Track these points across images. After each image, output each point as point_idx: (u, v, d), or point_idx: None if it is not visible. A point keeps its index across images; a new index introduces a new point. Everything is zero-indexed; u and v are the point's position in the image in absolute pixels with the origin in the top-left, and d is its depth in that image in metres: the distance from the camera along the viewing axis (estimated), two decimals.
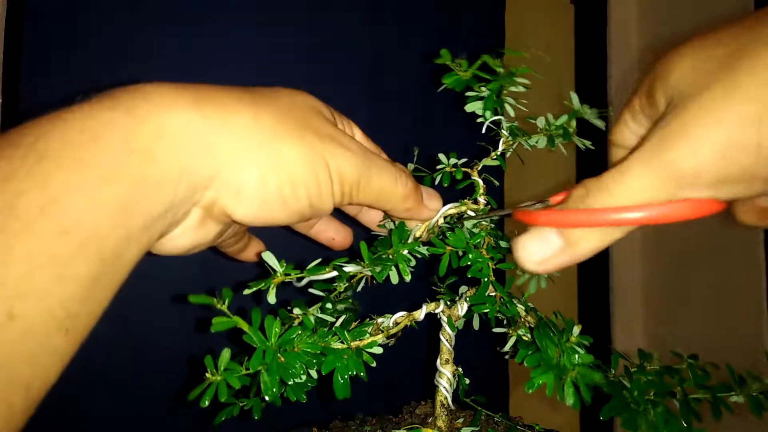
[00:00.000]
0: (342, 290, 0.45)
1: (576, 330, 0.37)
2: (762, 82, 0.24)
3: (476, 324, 0.48)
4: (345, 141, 0.35)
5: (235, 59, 0.77)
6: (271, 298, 0.39)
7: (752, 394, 0.39)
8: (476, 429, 0.47)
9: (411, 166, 0.52)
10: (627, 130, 0.35)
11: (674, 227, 0.98)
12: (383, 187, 0.37)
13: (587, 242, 0.30)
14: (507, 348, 0.44)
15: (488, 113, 0.43)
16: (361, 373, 0.37)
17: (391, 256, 0.41)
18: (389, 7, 0.85)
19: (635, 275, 1.03)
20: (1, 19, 0.68)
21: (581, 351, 0.35)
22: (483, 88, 0.42)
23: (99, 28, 0.72)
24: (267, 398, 0.35)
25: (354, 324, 0.42)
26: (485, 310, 0.42)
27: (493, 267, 0.43)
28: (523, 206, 0.38)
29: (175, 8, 0.75)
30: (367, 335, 0.40)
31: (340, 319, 0.42)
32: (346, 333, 0.39)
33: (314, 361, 0.36)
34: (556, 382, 0.33)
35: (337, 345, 0.38)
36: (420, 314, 0.45)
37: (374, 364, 0.38)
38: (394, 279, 0.43)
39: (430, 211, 0.42)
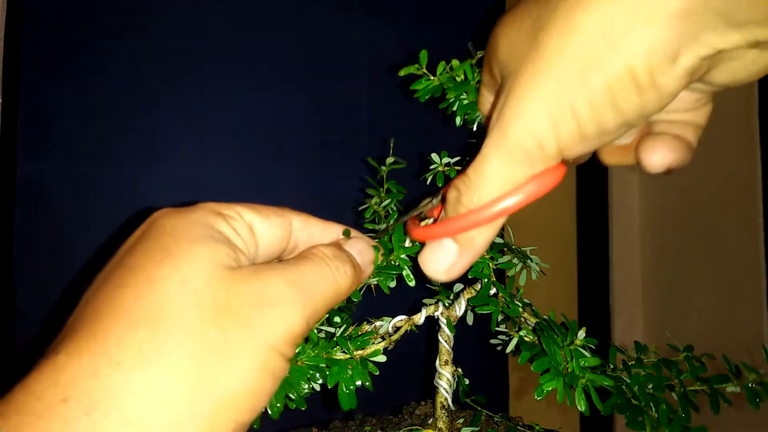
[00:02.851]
0: (345, 303, 0.44)
1: (581, 333, 0.37)
2: (556, 51, 0.26)
3: (470, 320, 0.48)
4: (269, 294, 0.29)
5: (235, 59, 0.77)
6: None
7: (749, 385, 0.39)
8: (476, 429, 0.47)
9: (390, 159, 0.52)
10: (484, 101, 0.36)
11: (674, 227, 0.97)
12: (330, 299, 0.33)
13: (480, 238, 0.31)
14: (509, 350, 0.44)
15: (477, 112, 0.43)
16: (367, 383, 0.37)
17: (394, 262, 0.41)
18: (389, 6, 0.85)
19: (635, 275, 1.03)
20: (1, 19, 0.68)
21: (587, 354, 0.35)
22: (463, 96, 0.42)
23: (99, 28, 0.72)
24: (270, 413, 0.35)
25: (351, 328, 0.41)
26: (488, 311, 0.42)
27: (494, 267, 0.43)
28: (420, 208, 0.39)
29: (175, 8, 0.75)
30: (371, 344, 0.39)
31: (341, 327, 0.41)
32: (349, 343, 0.38)
33: (318, 374, 0.36)
34: (566, 388, 0.33)
35: (340, 356, 0.38)
36: (420, 318, 0.45)
37: (378, 373, 0.38)
38: (393, 283, 0.43)
39: (369, 269, 0.38)
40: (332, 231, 0.37)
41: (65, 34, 0.71)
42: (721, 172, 0.89)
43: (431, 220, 0.39)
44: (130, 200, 0.73)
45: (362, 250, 0.37)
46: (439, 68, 0.43)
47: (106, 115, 0.72)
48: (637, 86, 0.25)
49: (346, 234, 0.38)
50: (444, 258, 0.32)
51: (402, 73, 0.41)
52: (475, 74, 0.42)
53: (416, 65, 0.42)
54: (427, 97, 0.42)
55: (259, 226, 0.33)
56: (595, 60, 0.25)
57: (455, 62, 0.42)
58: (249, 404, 0.28)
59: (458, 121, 0.43)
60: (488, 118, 0.34)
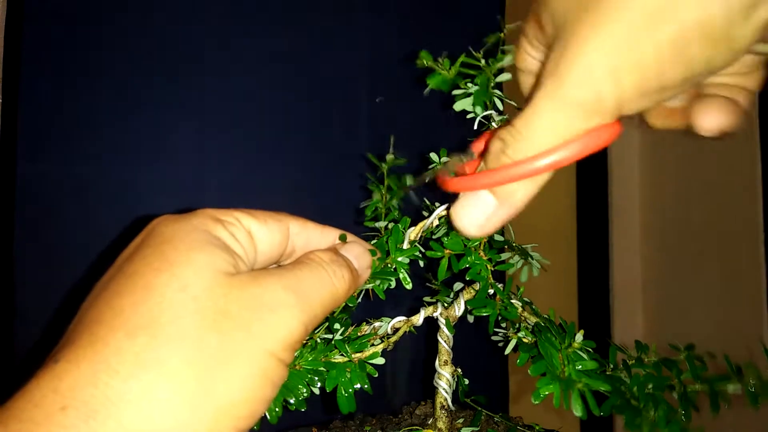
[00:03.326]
0: (340, 309, 0.44)
1: (579, 336, 0.37)
2: (622, 4, 0.25)
3: (471, 318, 0.48)
4: (268, 300, 0.29)
5: (236, 58, 0.77)
6: None
7: (749, 385, 0.39)
8: (476, 429, 0.47)
9: (390, 156, 0.52)
10: (528, 57, 0.34)
11: (674, 227, 0.97)
12: (328, 304, 0.33)
13: (521, 192, 0.30)
14: (508, 351, 0.44)
15: (478, 108, 0.43)
16: (365, 386, 0.37)
17: (389, 265, 0.41)
18: (390, 8, 0.84)
19: (635, 274, 1.03)
20: (1, 19, 0.68)
21: (585, 357, 0.35)
22: (470, 84, 0.42)
23: (99, 28, 0.72)
24: (269, 418, 0.35)
25: (350, 329, 0.41)
26: (486, 314, 0.42)
27: (492, 268, 0.42)
28: (449, 162, 0.37)
29: (175, 8, 0.75)
30: (369, 346, 0.39)
31: (339, 330, 0.41)
32: (347, 346, 0.38)
33: (316, 378, 0.36)
34: (563, 392, 0.33)
35: (339, 358, 0.38)
36: (418, 319, 0.45)
37: (377, 375, 0.38)
38: (392, 284, 0.42)
39: (366, 273, 0.38)
40: (329, 235, 0.37)
41: (65, 34, 0.71)
42: (721, 172, 0.89)
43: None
44: (130, 201, 0.73)
45: (359, 254, 0.37)
46: (446, 64, 0.43)
47: (106, 115, 0.72)
48: (710, 37, 0.24)
49: (343, 239, 0.38)
50: (480, 212, 0.31)
51: (420, 64, 0.41)
52: (492, 64, 0.42)
53: (431, 57, 0.42)
54: (441, 88, 0.42)
55: (258, 232, 0.33)
56: (666, 9, 0.24)
57: (464, 57, 0.42)
58: (248, 410, 0.28)
59: (479, 110, 0.43)
60: (537, 74, 0.33)
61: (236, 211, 0.33)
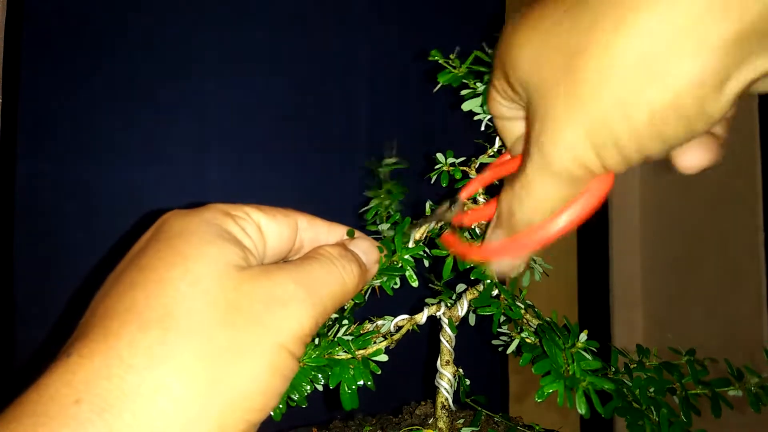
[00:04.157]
0: (352, 306, 0.44)
1: (583, 336, 0.37)
2: (596, 80, 0.25)
3: (472, 320, 0.48)
4: (279, 294, 0.29)
5: (236, 58, 0.77)
6: None
7: (751, 388, 0.39)
8: (476, 429, 0.47)
9: (389, 160, 0.52)
10: (499, 105, 0.35)
11: (674, 227, 0.97)
12: (338, 298, 0.33)
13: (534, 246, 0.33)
14: (510, 351, 0.44)
15: (486, 108, 0.43)
16: (368, 383, 0.37)
17: (396, 263, 0.41)
18: (389, 5, 0.85)
19: (635, 276, 1.03)
20: (1, 19, 0.68)
21: (589, 357, 0.35)
22: (478, 84, 0.42)
23: (99, 29, 0.72)
24: (273, 415, 0.35)
25: (353, 326, 0.41)
26: (490, 313, 0.42)
27: None
28: (438, 216, 0.41)
29: (176, 8, 0.75)
30: (372, 343, 0.39)
31: (343, 327, 0.41)
32: (350, 343, 0.38)
33: (320, 375, 0.36)
34: (567, 391, 0.33)
35: (342, 355, 0.38)
36: (422, 317, 0.45)
37: (380, 372, 0.38)
38: (396, 283, 0.43)
39: (374, 269, 0.39)
40: (336, 231, 0.38)
41: (65, 34, 0.71)
42: (721, 173, 0.89)
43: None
44: (130, 200, 0.73)
45: (367, 249, 0.37)
46: (456, 61, 0.43)
47: (106, 115, 0.72)
48: (684, 116, 0.24)
49: (351, 234, 0.38)
50: (506, 261, 0.34)
51: (431, 58, 0.41)
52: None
53: (441, 55, 0.42)
54: (453, 84, 0.42)
55: (267, 227, 0.34)
56: (638, 91, 0.24)
57: (478, 52, 0.42)
58: (260, 403, 0.28)
59: (483, 110, 0.43)
60: (510, 119, 0.35)
61: (246, 206, 0.34)
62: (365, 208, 0.53)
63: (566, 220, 0.30)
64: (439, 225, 0.43)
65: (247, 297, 0.28)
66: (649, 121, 0.25)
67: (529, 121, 0.29)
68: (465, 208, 0.41)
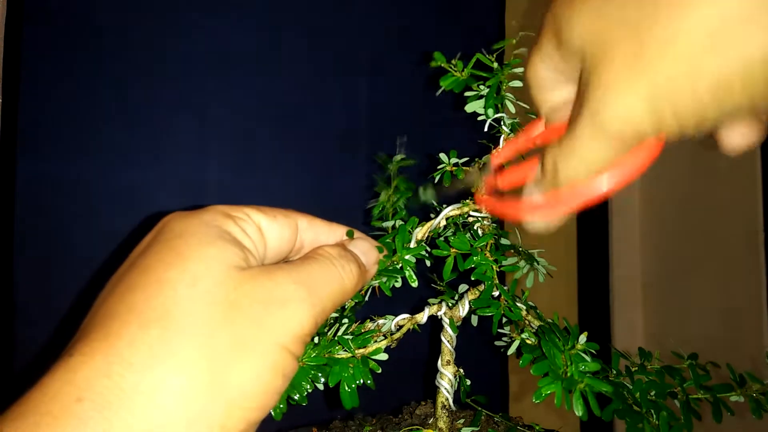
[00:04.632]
0: (352, 306, 0.44)
1: (582, 337, 0.37)
2: (661, 49, 0.25)
3: (474, 321, 0.48)
4: (279, 294, 0.30)
5: (236, 58, 0.77)
6: None
7: (752, 395, 0.39)
8: (476, 429, 0.47)
9: (398, 157, 0.52)
10: (541, 70, 0.35)
11: (674, 228, 0.97)
12: (337, 298, 0.33)
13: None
14: (510, 352, 0.44)
15: (490, 111, 0.43)
16: (368, 381, 0.37)
17: (396, 263, 0.41)
18: (390, 7, 0.85)
19: (635, 275, 1.03)
20: (1, 19, 0.68)
21: (588, 358, 0.35)
22: (482, 87, 0.42)
23: (99, 29, 0.72)
24: (273, 415, 0.35)
25: (354, 326, 0.42)
26: (490, 314, 0.42)
27: (497, 269, 0.42)
28: (467, 181, 0.41)
29: (175, 8, 0.75)
30: (372, 342, 0.40)
31: (343, 326, 0.41)
32: (350, 342, 0.38)
33: (320, 374, 0.36)
34: (564, 392, 0.33)
35: (342, 354, 0.38)
36: (422, 317, 0.45)
37: (380, 371, 0.38)
38: (398, 283, 0.43)
39: (374, 269, 0.39)
40: (336, 231, 0.38)
41: (65, 34, 0.71)
42: (721, 173, 0.89)
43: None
44: (130, 200, 0.73)
45: (366, 250, 0.38)
46: (459, 65, 0.43)
47: (107, 115, 0.72)
48: (749, 87, 0.24)
49: (350, 235, 0.38)
50: (545, 221, 0.34)
51: (434, 64, 0.41)
52: (504, 70, 0.43)
53: (444, 58, 0.42)
54: (455, 89, 0.42)
55: (267, 227, 0.34)
56: (706, 59, 0.24)
57: (480, 55, 0.42)
58: (260, 402, 0.28)
59: (490, 113, 0.43)
60: (552, 86, 0.35)
61: (246, 207, 0.34)
62: (371, 204, 0.53)
63: (610, 181, 0.30)
64: (467, 189, 0.43)
65: (247, 297, 0.28)
66: (713, 90, 0.25)
67: (582, 83, 0.29)
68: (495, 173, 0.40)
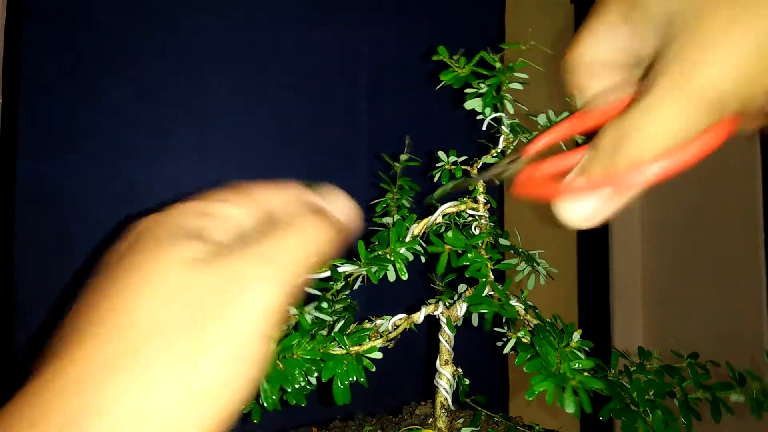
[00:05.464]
0: (339, 289, 0.44)
1: (576, 335, 0.37)
2: (754, 10, 0.24)
3: (475, 321, 0.48)
4: (241, 280, 0.29)
5: (236, 57, 0.77)
6: None
7: (752, 395, 0.39)
8: (476, 429, 0.47)
9: (404, 156, 0.52)
10: (596, 46, 0.32)
11: (674, 229, 0.97)
12: (304, 261, 0.31)
13: (637, 190, 0.29)
14: (506, 350, 0.44)
15: (488, 110, 0.43)
16: (361, 379, 0.37)
17: (388, 255, 0.41)
18: (390, 6, 0.84)
19: (635, 275, 1.03)
20: (1, 19, 0.68)
21: (582, 356, 0.35)
22: (482, 85, 0.42)
23: (99, 29, 0.72)
24: (266, 405, 0.35)
25: (352, 326, 0.42)
26: (483, 311, 0.42)
27: (492, 267, 0.42)
28: (499, 168, 0.36)
29: (175, 8, 0.75)
30: (367, 340, 0.40)
31: (339, 323, 0.41)
32: (345, 338, 0.38)
33: (314, 367, 0.36)
34: (557, 390, 0.33)
35: (337, 350, 0.38)
36: (419, 317, 0.45)
37: (374, 369, 0.38)
38: (391, 277, 0.42)
39: (344, 213, 0.36)
40: (299, 193, 0.36)
41: (65, 34, 0.71)
42: (721, 173, 0.89)
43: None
44: (130, 200, 0.73)
45: (333, 198, 0.36)
46: (462, 61, 0.43)
47: (106, 114, 0.72)
48: None
49: (313, 187, 0.36)
50: (590, 206, 0.29)
51: (436, 57, 0.41)
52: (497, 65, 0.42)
53: (447, 53, 0.42)
54: (455, 85, 0.42)
55: (233, 213, 0.33)
56: None
57: (484, 53, 0.42)
58: (231, 393, 0.28)
59: (488, 112, 0.43)
60: (608, 65, 0.31)
61: (209, 197, 0.34)
62: (375, 201, 0.53)
63: (682, 157, 0.26)
64: (497, 181, 0.39)
65: (208, 291, 0.28)
66: None
67: (664, 49, 0.27)
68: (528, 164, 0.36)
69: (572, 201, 0.30)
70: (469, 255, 0.42)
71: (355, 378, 0.37)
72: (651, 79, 0.27)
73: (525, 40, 0.43)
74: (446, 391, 0.46)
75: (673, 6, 0.27)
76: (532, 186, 0.32)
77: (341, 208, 0.35)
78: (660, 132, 0.27)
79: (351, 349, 0.38)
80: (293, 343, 0.37)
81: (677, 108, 0.26)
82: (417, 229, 0.44)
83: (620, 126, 0.28)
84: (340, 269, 0.41)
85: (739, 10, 0.25)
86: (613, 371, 0.40)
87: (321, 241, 0.33)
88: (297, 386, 0.36)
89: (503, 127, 0.45)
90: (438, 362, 0.46)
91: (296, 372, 0.36)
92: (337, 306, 0.46)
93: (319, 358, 0.37)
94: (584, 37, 0.31)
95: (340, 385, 0.36)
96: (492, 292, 0.42)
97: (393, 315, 0.45)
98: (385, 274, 0.42)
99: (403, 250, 0.42)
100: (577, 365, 0.34)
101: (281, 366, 0.35)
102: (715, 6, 0.25)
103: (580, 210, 0.29)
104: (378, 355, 0.39)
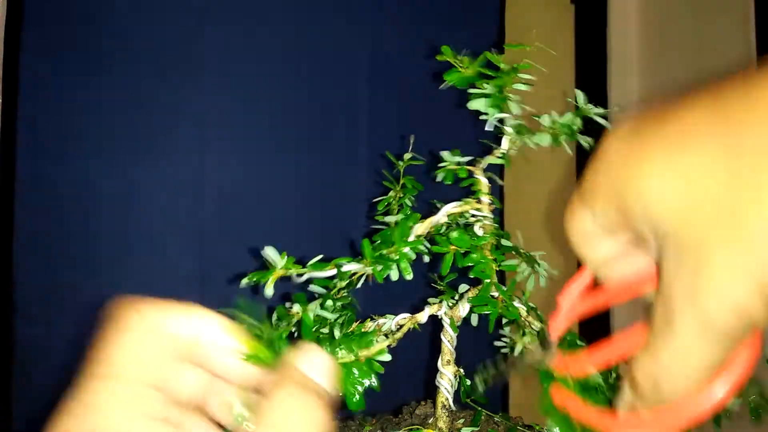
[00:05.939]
0: (342, 287, 0.44)
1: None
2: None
3: (474, 321, 0.48)
4: None
5: (236, 57, 0.77)
6: (269, 291, 0.39)
7: (750, 400, 0.39)
8: (476, 429, 0.47)
9: (408, 155, 0.52)
10: (588, 225, 0.31)
11: None
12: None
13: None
14: (516, 354, 0.44)
15: (492, 110, 0.43)
16: (374, 384, 0.37)
17: (393, 255, 0.41)
18: (390, 6, 0.85)
19: None
20: (1, 19, 0.68)
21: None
22: (486, 85, 0.42)
23: (99, 29, 0.72)
24: None
25: (354, 324, 0.41)
26: (487, 312, 0.42)
27: (496, 268, 0.42)
28: (532, 362, 0.36)
29: (175, 8, 0.75)
30: (375, 342, 0.39)
31: (340, 321, 0.41)
32: (353, 344, 0.38)
33: None
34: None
35: (345, 357, 0.38)
36: (422, 316, 0.45)
37: (383, 371, 0.38)
38: (394, 276, 0.42)
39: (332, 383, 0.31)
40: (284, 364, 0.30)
41: (65, 34, 0.71)
42: None
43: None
44: (130, 200, 0.73)
45: (319, 365, 0.30)
46: (466, 62, 0.43)
47: (106, 115, 0.72)
48: None
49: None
50: None
51: (440, 58, 0.41)
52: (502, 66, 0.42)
53: (452, 53, 0.42)
54: (458, 85, 0.42)
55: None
56: None
57: (488, 54, 0.42)
58: None
59: (493, 112, 0.43)
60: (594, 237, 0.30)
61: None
62: (378, 198, 0.53)
63: (729, 382, 0.26)
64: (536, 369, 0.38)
65: None
66: None
67: (666, 267, 0.26)
68: (559, 352, 0.36)
69: None
70: (473, 255, 0.42)
71: (367, 382, 0.37)
72: (666, 308, 0.26)
73: (527, 41, 0.43)
74: (447, 391, 0.46)
75: (665, 218, 0.26)
76: (579, 411, 0.32)
77: (320, 368, 0.30)
78: (695, 368, 0.26)
79: (360, 354, 0.38)
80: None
81: (701, 339, 0.25)
82: (421, 228, 0.44)
83: (652, 361, 0.27)
84: (345, 268, 0.41)
85: (738, 228, 0.24)
86: (614, 375, 0.40)
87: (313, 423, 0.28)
88: None
89: (507, 128, 0.45)
90: (440, 362, 0.46)
91: None
92: (338, 304, 0.46)
93: None
94: (578, 212, 0.31)
95: (355, 393, 0.36)
96: (495, 293, 0.42)
97: (393, 314, 0.45)
98: (389, 273, 0.42)
99: (407, 250, 0.41)
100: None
101: None
102: (711, 221, 0.24)
103: None
104: (387, 357, 0.39)
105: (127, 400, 0.26)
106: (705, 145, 0.25)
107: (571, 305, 0.35)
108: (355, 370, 0.37)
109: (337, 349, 0.38)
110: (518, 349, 0.42)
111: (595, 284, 0.35)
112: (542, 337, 0.37)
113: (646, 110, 0.27)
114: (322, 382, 0.29)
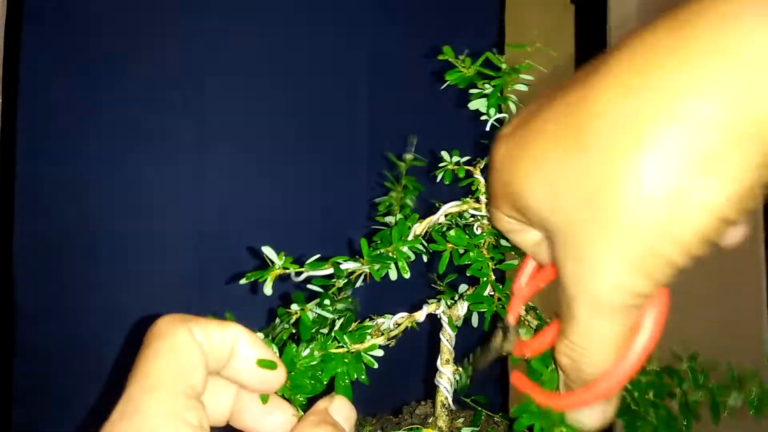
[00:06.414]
0: (341, 286, 0.45)
1: None
2: (628, 217, 0.25)
3: (475, 321, 0.48)
4: None
5: (236, 57, 0.77)
6: (268, 290, 0.39)
7: (751, 396, 0.39)
8: (476, 429, 0.47)
9: (409, 156, 0.52)
10: (505, 223, 0.34)
11: None
12: None
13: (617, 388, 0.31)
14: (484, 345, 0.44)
15: (492, 110, 0.43)
16: (362, 377, 0.37)
17: (390, 254, 0.41)
18: (390, 6, 0.85)
19: None
20: (1, 19, 0.68)
21: None
22: (486, 85, 0.42)
23: (99, 29, 0.72)
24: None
25: (354, 325, 0.42)
26: (483, 310, 0.42)
27: (493, 267, 0.43)
28: (495, 348, 0.39)
29: (175, 8, 0.75)
30: (368, 338, 0.40)
31: (340, 321, 0.41)
32: (345, 337, 0.38)
33: (319, 372, 0.37)
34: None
35: (337, 350, 0.38)
36: (420, 315, 0.45)
37: (376, 366, 0.38)
38: (393, 275, 0.43)
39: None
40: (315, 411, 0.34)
41: (65, 34, 0.71)
42: None
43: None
44: (130, 200, 0.73)
45: (347, 414, 0.34)
46: (467, 61, 0.43)
47: (106, 115, 0.72)
48: (729, 220, 0.25)
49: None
50: (595, 415, 0.32)
51: (441, 57, 0.41)
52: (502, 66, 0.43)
53: (453, 53, 0.42)
54: (460, 85, 0.42)
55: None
56: (679, 216, 0.24)
57: (489, 54, 0.42)
58: None
59: (492, 112, 0.43)
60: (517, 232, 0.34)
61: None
62: (379, 198, 0.53)
63: (641, 347, 0.28)
64: (499, 354, 0.41)
65: None
66: (699, 235, 0.25)
67: (556, 256, 0.28)
68: (520, 334, 0.39)
69: (576, 414, 0.32)
70: (470, 254, 0.42)
71: (356, 376, 0.37)
72: (565, 295, 0.28)
73: (527, 41, 0.43)
74: (447, 390, 0.46)
75: (545, 214, 0.28)
76: (534, 391, 0.34)
77: (347, 417, 0.34)
78: (603, 346, 0.28)
79: (352, 347, 0.38)
80: (292, 355, 0.37)
81: (603, 321, 0.28)
82: (419, 228, 0.44)
83: (570, 347, 0.29)
84: (343, 266, 0.41)
85: (600, 214, 0.25)
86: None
87: None
88: (309, 393, 0.36)
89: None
90: (439, 361, 0.46)
91: (306, 381, 0.36)
92: (339, 305, 0.46)
93: (320, 360, 0.37)
94: (493, 213, 0.34)
95: (342, 383, 0.37)
96: (493, 292, 0.43)
97: (394, 314, 0.45)
98: (387, 273, 0.42)
99: (405, 249, 0.42)
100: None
101: (288, 383, 0.35)
102: (578, 212, 0.26)
103: (590, 420, 0.32)
104: (379, 353, 0.39)
105: (172, 410, 0.27)
106: (558, 140, 0.27)
107: (521, 289, 0.39)
108: (346, 360, 0.37)
109: (330, 342, 0.38)
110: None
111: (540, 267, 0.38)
112: (503, 324, 0.39)
113: (521, 110, 0.29)
114: (346, 427, 0.33)
